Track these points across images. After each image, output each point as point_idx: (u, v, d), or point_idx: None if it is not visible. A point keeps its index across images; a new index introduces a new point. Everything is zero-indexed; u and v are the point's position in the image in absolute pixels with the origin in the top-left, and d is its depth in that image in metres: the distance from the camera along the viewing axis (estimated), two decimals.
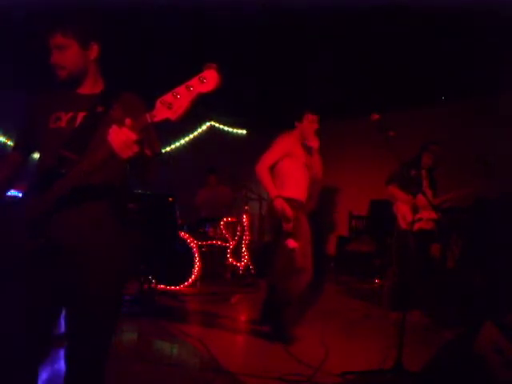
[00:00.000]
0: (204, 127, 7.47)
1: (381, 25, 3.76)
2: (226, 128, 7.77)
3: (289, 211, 3.18)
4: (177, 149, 7.14)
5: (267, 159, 3.40)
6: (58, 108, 1.58)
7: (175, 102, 1.26)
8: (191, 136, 7.31)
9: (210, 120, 7.46)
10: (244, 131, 7.98)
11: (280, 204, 3.21)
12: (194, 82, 1.25)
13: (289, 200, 3.29)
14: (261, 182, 3.40)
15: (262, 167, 3.36)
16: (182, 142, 7.19)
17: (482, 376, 1.87)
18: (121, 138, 1.28)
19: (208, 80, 1.24)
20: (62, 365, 1.57)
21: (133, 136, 1.28)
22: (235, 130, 7.89)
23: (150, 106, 1.61)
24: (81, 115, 1.56)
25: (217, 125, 7.63)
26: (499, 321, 2.01)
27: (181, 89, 1.26)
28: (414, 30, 3.83)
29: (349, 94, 5.52)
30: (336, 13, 3.44)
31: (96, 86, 1.64)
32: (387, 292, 4.32)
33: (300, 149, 3.46)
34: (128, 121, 1.29)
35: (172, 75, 5.02)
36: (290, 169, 3.40)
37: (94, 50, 1.58)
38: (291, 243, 3.14)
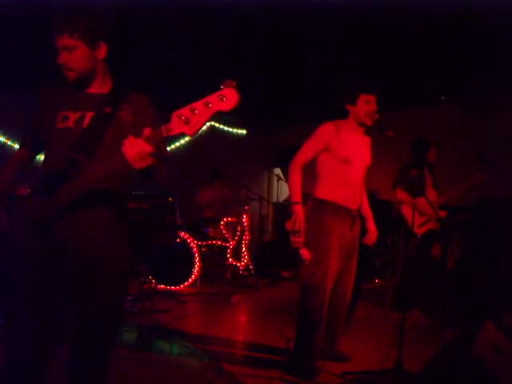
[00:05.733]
0: (204, 127, 7.46)
1: (381, 25, 3.75)
2: (226, 128, 7.77)
3: (300, 225, 2.70)
4: (177, 149, 7.14)
5: (300, 157, 2.83)
6: (65, 107, 1.56)
7: (193, 117, 1.25)
8: None
9: (210, 120, 7.46)
10: (244, 131, 7.99)
11: (297, 215, 2.71)
12: (214, 99, 1.24)
13: (326, 203, 2.81)
14: (288, 183, 2.90)
15: (293, 166, 2.81)
16: (182, 141, 7.19)
17: (482, 376, 1.87)
18: (136, 149, 1.28)
19: (228, 99, 1.23)
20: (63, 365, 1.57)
21: (148, 148, 1.28)
22: (235, 130, 7.90)
23: (156, 106, 1.62)
24: (89, 115, 1.54)
25: (217, 125, 7.63)
26: (499, 321, 2.01)
27: (199, 104, 1.25)
28: (414, 29, 3.83)
29: None
30: (336, 13, 3.44)
31: (104, 85, 1.62)
32: (391, 292, 4.32)
33: (349, 140, 2.83)
34: (146, 131, 1.29)
35: (173, 75, 5.00)
36: (329, 166, 2.84)
37: (103, 50, 1.56)
38: (305, 254, 2.78)
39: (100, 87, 1.61)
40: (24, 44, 4.09)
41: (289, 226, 2.72)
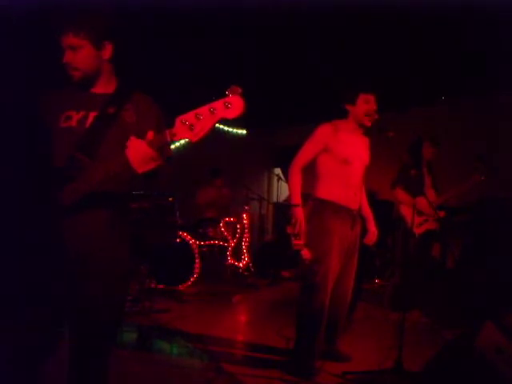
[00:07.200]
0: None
1: (380, 25, 3.75)
2: (226, 128, 7.77)
3: (302, 228, 2.71)
4: (177, 149, 7.14)
5: (300, 158, 2.84)
6: (68, 106, 1.55)
7: (197, 123, 1.24)
8: None
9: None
10: (244, 131, 7.98)
11: (297, 217, 2.71)
12: (219, 105, 1.23)
13: (327, 203, 2.81)
14: (288, 185, 2.90)
15: (293, 168, 2.82)
16: (182, 141, 7.19)
17: (482, 376, 1.88)
18: (140, 154, 1.28)
19: (233, 106, 1.22)
20: (64, 365, 1.58)
21: (151, 153, 1.28)
22: (235, 130, 7.90)
23: (160, 105, 1.60)
24: (92, 115, 1.53)
25: (217, 125, 7.62)
26: (499, 321, 2.01)
27: (204, 110, 1.24)
28: (414, 29, 3.83)
29: None
30: (336, 12, 3.44)
31: (109, 85, 1.61)
32: (389, 292, 4.32)
33: (348, 141, 2.83)
34: (150, 135, 1.28)
35: (172, 76, 4.99)
36: (328, 166, 2.84)
37: (108, 50, 1.55)
38: (305, 254, 2.76)
39: (105, 87, 1.60)
40: (24, 44, 4.08)
41: (289, 229, 2.73)
